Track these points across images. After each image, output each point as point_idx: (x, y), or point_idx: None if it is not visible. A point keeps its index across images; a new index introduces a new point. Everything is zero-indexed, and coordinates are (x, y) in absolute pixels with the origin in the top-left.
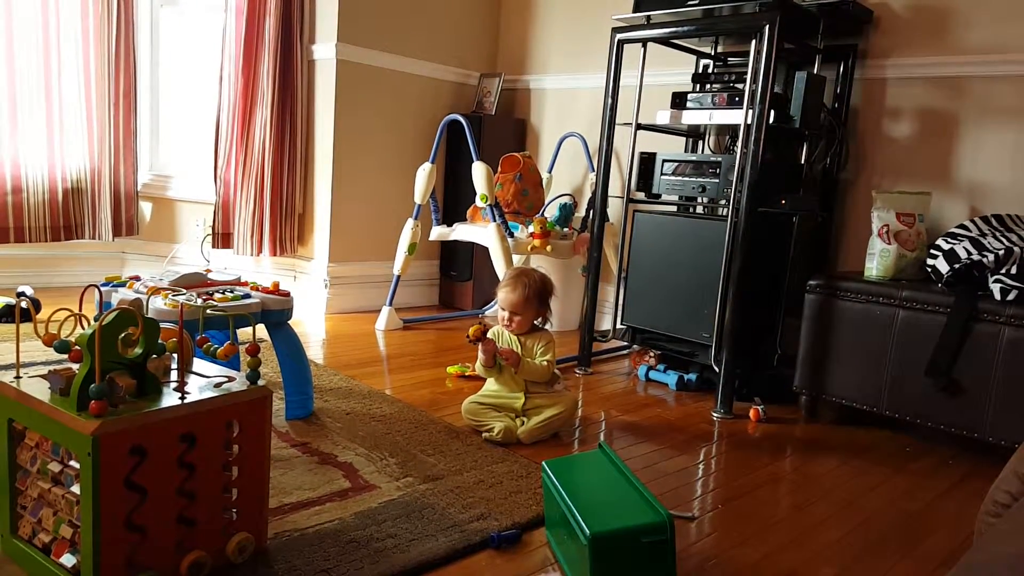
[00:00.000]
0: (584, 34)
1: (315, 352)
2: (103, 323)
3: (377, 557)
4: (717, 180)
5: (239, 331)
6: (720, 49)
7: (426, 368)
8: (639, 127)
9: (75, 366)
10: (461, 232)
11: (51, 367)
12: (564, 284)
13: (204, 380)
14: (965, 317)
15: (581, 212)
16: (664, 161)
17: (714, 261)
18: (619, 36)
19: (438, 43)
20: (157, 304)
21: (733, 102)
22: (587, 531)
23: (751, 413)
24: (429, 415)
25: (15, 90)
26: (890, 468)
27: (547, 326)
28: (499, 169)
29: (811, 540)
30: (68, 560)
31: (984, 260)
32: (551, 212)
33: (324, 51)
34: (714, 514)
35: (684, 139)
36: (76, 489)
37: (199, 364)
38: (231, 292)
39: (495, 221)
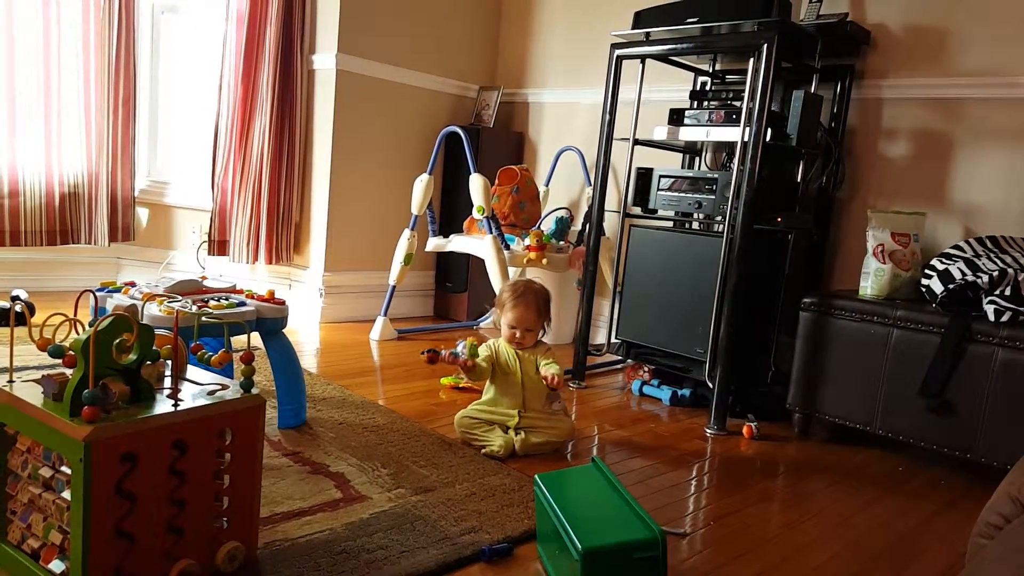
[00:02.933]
0: (583, 49)
1: (309, 361)
2: (98, 328)
3: (367, 569)
4: (713, 196)
5: (233, 339)
6: (718, 67)
7: (420, 379)
8: (636, 142)
9: (69, 371)
10: (457, 243)
11: (44, 372)
12: (559, 297)
13: (198, 387)
14: (959, 338)
15: (577, 226)
16: (661, 177)
17: (709, 277)
18: (618, 52)
19: (438, 55)
20: (152, 310)
21: (730, 119)
22: (579, 546)
23: (744, 430)
24: (422, 426)
25: (14, 94)
26: (882, 488)
27: (545, 338)
28: (496, 181)
29: (802, 559)
30: (57, 566)
31: (979, 281)
32: (547, 225)
33: (324, 61)
34: (706, 531)
35: (681, 155)
36: (67, 495)
37: (193, 371)
38: (226, 299)
39: (492, 233)
